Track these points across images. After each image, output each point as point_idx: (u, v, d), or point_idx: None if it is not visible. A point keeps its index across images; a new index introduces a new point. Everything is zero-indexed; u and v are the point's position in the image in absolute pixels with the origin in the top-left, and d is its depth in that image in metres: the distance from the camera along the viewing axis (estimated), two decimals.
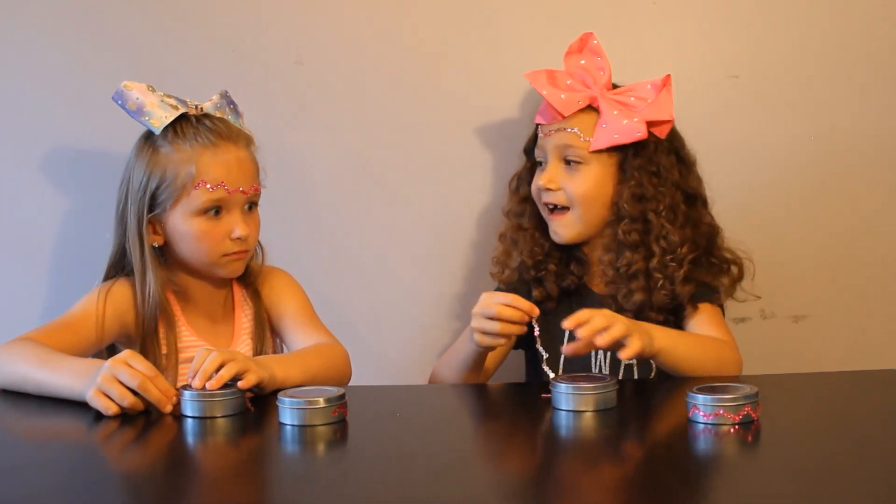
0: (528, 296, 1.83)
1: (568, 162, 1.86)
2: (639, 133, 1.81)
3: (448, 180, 2.12)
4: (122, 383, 1.50)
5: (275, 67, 2.07)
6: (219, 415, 1.50)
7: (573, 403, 1.49)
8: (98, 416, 1.50)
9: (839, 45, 2.12)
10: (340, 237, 2.12)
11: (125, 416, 1.50)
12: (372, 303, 2.13)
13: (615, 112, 1.83)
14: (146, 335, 1.77)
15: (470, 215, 2.13)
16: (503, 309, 1.63)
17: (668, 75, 1.84)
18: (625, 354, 1.58)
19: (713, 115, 2.08)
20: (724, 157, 2.08)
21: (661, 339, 1.65)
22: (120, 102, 1.77)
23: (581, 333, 1.57)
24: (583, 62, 1.89)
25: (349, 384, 1.71)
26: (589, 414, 1.48)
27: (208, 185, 1.73)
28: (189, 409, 1.51)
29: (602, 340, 1.56)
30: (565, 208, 1.86)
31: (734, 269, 1.89)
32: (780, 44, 2.11)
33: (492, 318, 1.64)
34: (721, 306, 1.86)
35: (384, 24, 2.09)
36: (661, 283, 1.80)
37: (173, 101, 1.78)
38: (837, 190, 2.14)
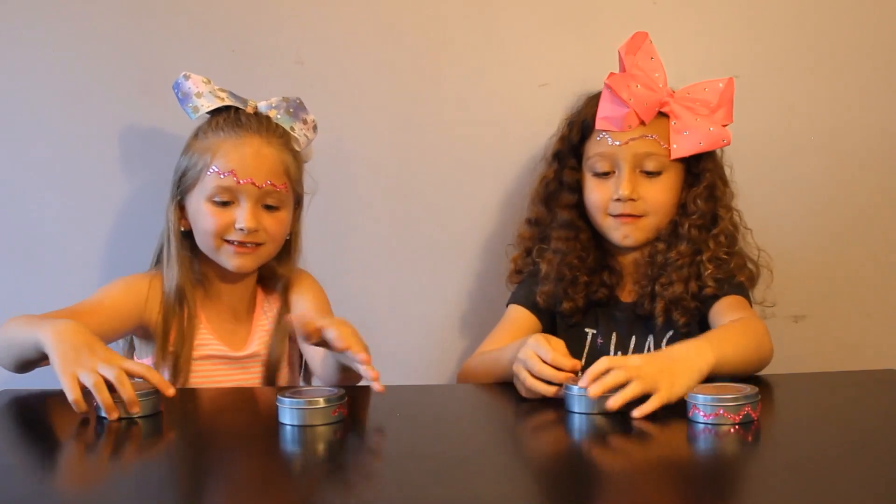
0: (558, 306, 1.84)
1: (646, 171, 1.82)
2: (725, 140, 1.81)
3: (451, 180, 2.13)
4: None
5: (275, 67, 2.07)
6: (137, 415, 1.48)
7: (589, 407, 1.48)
8: (99, 418, 1.51)
9: (839, 45, 2.12)
10: (342, 237, 2.12)
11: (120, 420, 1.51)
12: (380, 302, 2.13)
13: (697, 119, 1.79)
14: (166, 329, 1.75)
15: (474, 215, 2.13)
16: (542, 367, 1.54)
17: (732, 79, 1.82)
18: (639, 412, 1.44)
19: None
20: (724, 157, 2.07)
21: (712, 353, 1.53)
22: (176, 91, 1.82)
23: (593, 392, 1.45)
24: (640, 64, 1.81)
25: (355, 384, 1.70)
26: (589, 415, 1.48)
27: (220, 173, 1.74)
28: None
29: (614, 403, 1.44)
30: (640, 216, 1.83)
31: (751, 265, 1.89)
32: (780, 44, 2.12)
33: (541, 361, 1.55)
34: (747, 297, 1.85)
35: (385, 24, 2.09)
36: (709, 272, 1.80)
37: (224, 95, 1.81)
38: (837, 190, 2.14)
